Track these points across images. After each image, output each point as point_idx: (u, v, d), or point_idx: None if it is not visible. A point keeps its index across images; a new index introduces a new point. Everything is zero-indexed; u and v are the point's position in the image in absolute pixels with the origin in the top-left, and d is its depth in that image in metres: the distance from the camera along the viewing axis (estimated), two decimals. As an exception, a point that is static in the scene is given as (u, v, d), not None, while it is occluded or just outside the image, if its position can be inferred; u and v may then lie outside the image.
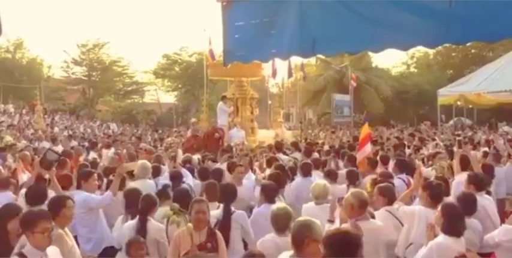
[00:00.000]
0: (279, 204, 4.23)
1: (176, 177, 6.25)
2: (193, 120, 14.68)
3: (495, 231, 4.21)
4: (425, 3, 3.05)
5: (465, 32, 2.97)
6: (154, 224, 4.38)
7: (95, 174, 5.59)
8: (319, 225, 3.09)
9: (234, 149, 10.44)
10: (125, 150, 10.20)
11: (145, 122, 38.07)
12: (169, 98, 49.14)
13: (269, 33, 3.48)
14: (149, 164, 6.63)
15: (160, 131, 23.93)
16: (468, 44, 35.47)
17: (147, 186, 5.97)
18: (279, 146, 10.09)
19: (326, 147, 11.13)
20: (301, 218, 3.22)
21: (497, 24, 2.86)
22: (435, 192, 4.45)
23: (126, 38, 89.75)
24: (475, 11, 2.89)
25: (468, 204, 4.43)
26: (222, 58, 3.82)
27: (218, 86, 29.48)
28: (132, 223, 4.41)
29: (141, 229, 4.28)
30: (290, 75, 22.94)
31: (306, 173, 6.66)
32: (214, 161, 8.38)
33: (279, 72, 22.21)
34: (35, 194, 4.82)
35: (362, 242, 2.70)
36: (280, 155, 9.14)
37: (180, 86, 45.84)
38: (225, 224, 4.54)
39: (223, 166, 7.40)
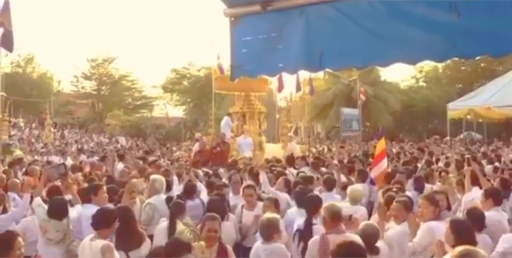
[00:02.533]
0: (268, 214, 4.43)
1: (191, 191, 6.24)
2: (197, 135, 14.73)
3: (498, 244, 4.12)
4: (432, 17, 3.01)
5: (473, 46, 2.94)
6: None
7: (104, 187, 5.58)
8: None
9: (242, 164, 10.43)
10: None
11: (153, 136, 38.22)
12: (177, 112, 49.48)
13: (276, 47, 3.47)
14: (163, 179, 6.53)
15: (168, 145, 23.99)
16: (477, 57, 35.59)
17: (161, 201, 5.93)
18: (290, 161, 10.17)
19: (335, 162, 11.07)
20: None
21: (505, 38, 2.82)
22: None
23: (135, 53, 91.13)
24: (483, 24, 2.85)
25: (477, 220, 4.36)
26: (230, 72, 3.80)
27: (226, 100, 29.59)
28: (164, 225, 4.75)
29: (171, 230, 4.56)
30: (298, 89, 22.98)
31: (330, 187, 6.68)
32: (217, 176, 8.36)
33: (287, 86, 22.29)
34: (58, 208, 5.03)
35: (365, 253, 2.79)
36: (291, 169, 9.16)
37: (188, 100, 46.12)
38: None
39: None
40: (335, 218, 3.96)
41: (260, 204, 5.54)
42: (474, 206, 4.91)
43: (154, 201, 5.89)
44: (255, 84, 15.60)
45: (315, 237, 4.00)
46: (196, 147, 15.49)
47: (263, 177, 6.80)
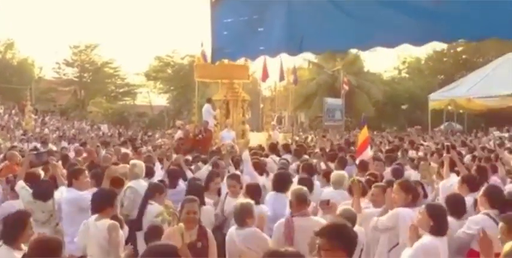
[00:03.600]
0: (242, 199, 4.52)
1: (175, 177, 6.34)
2: (179, 122, 14.68)
3: (462, 228, 4.23)
4: (412, 2, 3.04)
5: (452, 30, 2.97)
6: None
7: (86, 172, 5.54)
8: None
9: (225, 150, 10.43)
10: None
11: (136, 125, 37.94)
12: (161, 100, 49.12)
13: (257, 30, 3.46)
14: (143, 164, 6.47)
15: (150, 133, 23.83)
16: (459, 49, 35.65)
17: (142, 186, 5.91)
18: (273, 148, 10.27)
19: (316, 150, 11.15)
20: None
21: (483, 23, 2.86)
22: (415, 192, 4.58)
23: (119, 39, 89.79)
24: (461, 10, 2.88)
25: (456, 205, 4.46)
26: (211, 55, 3.78)
27: (210, 88, 29.46)
28: None
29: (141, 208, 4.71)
30: (282, 78, 22.97)
31: (309, 173, 6.63)
32: (205, 161, 8.36)
33: (271, 76, 22.26)
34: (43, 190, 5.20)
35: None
36: (274, 157, 9.22)
37: (172, 88, 45.80)
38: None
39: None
40: (301, 201, 4.07)
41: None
42: (454, 192, 5.01)
43: (134, 184, 5.86)
44: (236, 71, 15.59)
45: (281, 220, 4.11)
46: (178, 134, 15.47)
47: (246, 155, 6.82)
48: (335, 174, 6.06)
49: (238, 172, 6.62)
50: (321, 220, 3.93)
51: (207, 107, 14.98)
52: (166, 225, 4.46)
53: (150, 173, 6.73)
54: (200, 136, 12.49)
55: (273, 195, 5.37)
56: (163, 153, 9.48)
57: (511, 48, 25.32)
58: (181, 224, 3.94)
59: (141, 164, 6.36)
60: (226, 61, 14.80)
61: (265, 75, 20.16)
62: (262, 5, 3.53)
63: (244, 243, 3.97)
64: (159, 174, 7.16)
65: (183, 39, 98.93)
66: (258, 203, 4.73)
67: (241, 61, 15.41)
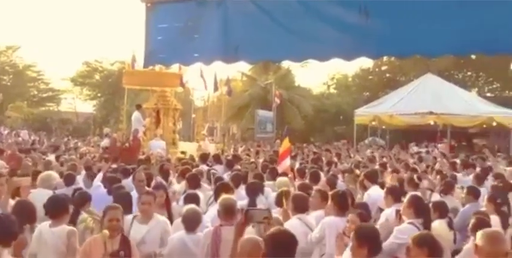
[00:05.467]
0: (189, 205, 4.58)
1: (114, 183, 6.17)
2: (106, 130, 14.12)
3: (391, 238, 4.44)
4: (343, 17, 3.17)
5: (379, 47, 3.13)
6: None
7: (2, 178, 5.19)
8: None
9: (154, 160, 10.20)
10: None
11: (60, 132, 36.04)
12: (87, 107, 47.11)
13: (193, 37, 3.43)
14: (51, 176, 6.32)
15: (75, 141, 22.73)
16: (383, 68, 37.62)
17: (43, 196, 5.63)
18: (204, 158, 10.22)
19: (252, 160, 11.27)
20: None
21: (409, 41, 3.04)
22: (342, 200, 4.77)
23: (44, 43, 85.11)
24: (389, 28, 3.05)
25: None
26: (143, 60, 3.68)
27: (140, 96, 28.78)
28: None
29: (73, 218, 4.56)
30: (216, 89, 23.04)
31: (237, 184, 6.63)
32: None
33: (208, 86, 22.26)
34: None
35: (296, 241, 2.93)
36: (204, 167, 9.15)
37: (99, 95, 44.13)
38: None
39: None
40: (228, 211, 4.14)
41: (159, 217, 4.71)
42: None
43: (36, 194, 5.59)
44: (168, 79, 15.42)
45: (209, 229, 4.16)
46: (105, 143, 14.91)
47: None
48: (279, 179, 6.31)
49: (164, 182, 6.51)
50: (249, 229, 3.94)
51: (136, 114, 14.59)
52: (88, 232, 4.28)
53: (70, 182, 6.57)
54: (127, 145, 12.12)
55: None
56: (88, 161, 9.14)
57: (431, 69, 27.32)
58: (105, 232, 3.79)
59: (50, 174, 6.26)
60: (157, 68, 14.62)
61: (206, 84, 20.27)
62: (198, 12, 3.52)
63: (195, 248, 4.14)
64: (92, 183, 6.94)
65: (113, 45, 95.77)
66: None
67: (174, 69, 15.26)
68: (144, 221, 4.54)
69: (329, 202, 4.89)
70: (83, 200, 5.01)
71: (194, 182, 6.52)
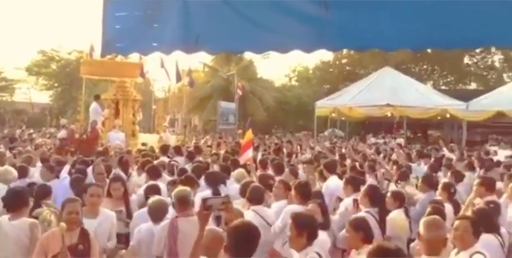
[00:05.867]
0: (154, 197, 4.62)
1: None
2: (63, 121, 13.65)
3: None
4: (304, 10, 3.19)
5: (338, 40, 3.17)
6: None
7: None
8: None
9: (112, 152, 9.99)
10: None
11: (14, 122, 34.66)
12: (43, 97, 45.46)
13: (152, 26, 3.36)
14: (7, 170, 6.22)
15: (30, 132, 21.92)
16: (343, 61, 38.29)
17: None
18: (164, 149, 10.09)
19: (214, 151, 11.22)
20: None
21: (367, 35, 3.10)
22: (304, 190, 4.92)
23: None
24: (347, 21, 3.09)
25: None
26: (100, 49, 3.58)
27: (99, 87, 28.05)
28: None
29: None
30: (179, 79, 22.71)
31: (198, 176, 6.61)
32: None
33: (166, 77, 21.93)
34: None
35: (259, 233, 2.98)
36: (164, 159, 9.04)
37: (56, 85, 42.65)
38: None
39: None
40: (183, 203, 4.18)
41: (107, 212, 4.61)
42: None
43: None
44: (127, 69, 15.07)
45: (165, 221, 4.18)
46: (62, 134, 14.48)
47: None
48: (236, 171, 6.57)
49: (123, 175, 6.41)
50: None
51: (94, 105, 14.18)
52: (46, 225, 4.17)
53: (23, 174, 6.40)
54: (85, 136, 11.80)
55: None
56: (44, 153, 8.86)
57: (388, 62, 28.00)
58: (63, 224, 3.70)
59: (5, 169, 6.22)
60: (119, 58, 14.27)
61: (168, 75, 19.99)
62: (157, 1, 3.45)
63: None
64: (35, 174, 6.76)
65: (70, 34, 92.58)
66: None
67: (134, 59, 14.94)
68: (91, 215, 4.41)
69: (292, 192, 4.97)
70: (43, 193, 4.95)
71: (154, 173, 6.44)
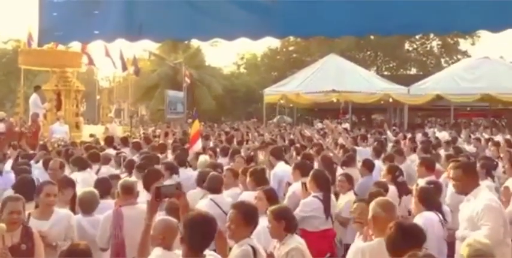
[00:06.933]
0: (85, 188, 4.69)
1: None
2: (2, 114, 12.84)
3: (296, 211, 4.71)
4: (250, -4, 3.17)
5: (284, 27, 3.19)
6: None
7: None
8: None
9: (55, 145, 9.63)
10: None
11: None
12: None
13: (92, 13, 3.22)
14: None
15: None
16: (290, 48, 38.61)
17: None
18: (109, 141, 9.85)
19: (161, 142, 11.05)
20: None
21: (312, 22, 3.13)
22: (260, 176, 5.04)
23: None
24: (293, 8, 3.11)
25: None
26: (38, 38, 3.40)
27: (39, 77, 26.76)
28: None
29: None
30: (125, 68, 22.07)
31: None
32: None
33: (110, 66, 21.26)
34: None
35: (216, 225, 2.94)
36: (110, 150, 8.81)
37: (-9, 76, 40.28)
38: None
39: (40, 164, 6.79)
40: (127, 192, 4.21)
41: (61, 211, 4.17)
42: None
43: None
44: (68, 58, 14.49)
45: (109, 211, 4.16)
46: (0, 128, 13.75)
47: None
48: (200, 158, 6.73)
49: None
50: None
51: (34, 97, 13.53)
52: None
53: None
54: (24, 129, 11.27)
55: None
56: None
57: (334, 49, 28.55)
58: (3, 225, 3.51)
59: None
60: (59, 48, 13.64)
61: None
62: (97, -13, 3.32)
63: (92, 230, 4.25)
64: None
65: (6, 22, 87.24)
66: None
67: (76, 48, 14.35)
68: (44, 216, 4.03)
69: (248, 178, 5.00)
70: None
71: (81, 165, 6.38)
